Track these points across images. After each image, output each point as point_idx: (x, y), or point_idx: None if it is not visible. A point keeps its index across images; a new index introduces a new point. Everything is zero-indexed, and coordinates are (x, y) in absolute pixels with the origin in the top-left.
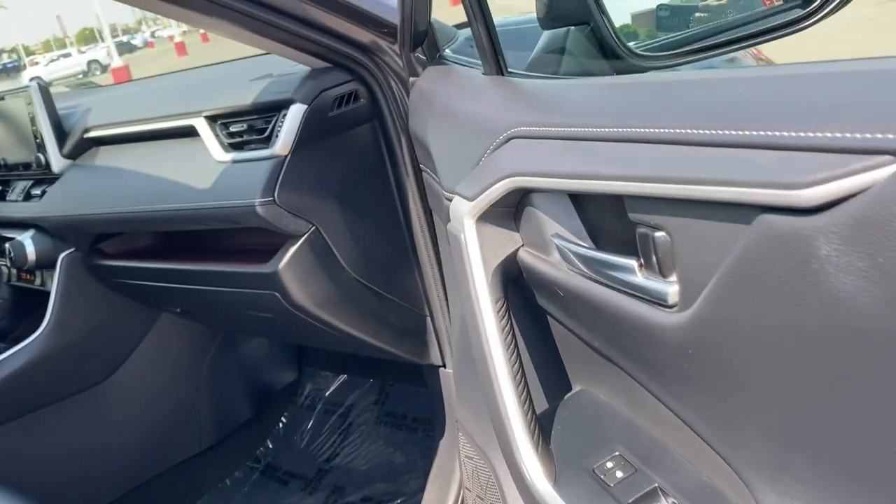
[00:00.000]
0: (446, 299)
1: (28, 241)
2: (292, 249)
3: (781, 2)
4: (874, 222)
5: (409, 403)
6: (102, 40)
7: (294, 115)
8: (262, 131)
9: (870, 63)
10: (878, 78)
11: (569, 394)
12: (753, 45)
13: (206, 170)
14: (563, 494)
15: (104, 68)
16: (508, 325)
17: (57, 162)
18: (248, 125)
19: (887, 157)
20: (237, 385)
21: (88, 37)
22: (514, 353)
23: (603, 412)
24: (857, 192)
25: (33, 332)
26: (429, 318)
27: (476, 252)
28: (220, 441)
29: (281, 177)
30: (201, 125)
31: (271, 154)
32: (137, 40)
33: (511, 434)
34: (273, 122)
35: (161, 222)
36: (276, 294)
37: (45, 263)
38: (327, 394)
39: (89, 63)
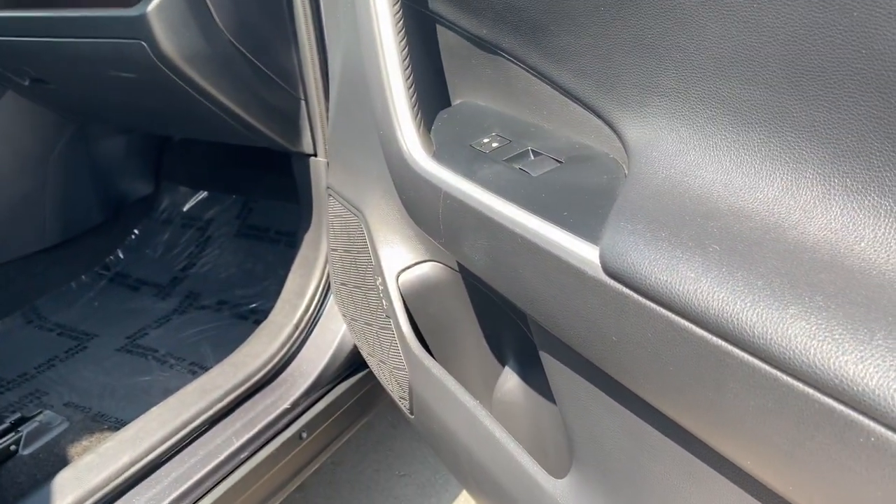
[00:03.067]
0: (324, 83)
1: None
2: None
3: None
4: None
5: (272, 217)
6: None
7: None
8: None
9: None
10: None
11: (450, 105)
12: None
13: None
14: (441, 162)
15: None
16: (401, 24)
17: None
18: None
19: None
20: (87, 186)
21: None
22: (406, 49)
23: (482, 112)
24: None
25: None
26: (303, 103)
27: None
28: (65, 242)
29: None
30: None
31: None
32: None
33: (393, 114)
34: None
35: None
36: (143, 43)
37: None
38: (185, 209)
39: None
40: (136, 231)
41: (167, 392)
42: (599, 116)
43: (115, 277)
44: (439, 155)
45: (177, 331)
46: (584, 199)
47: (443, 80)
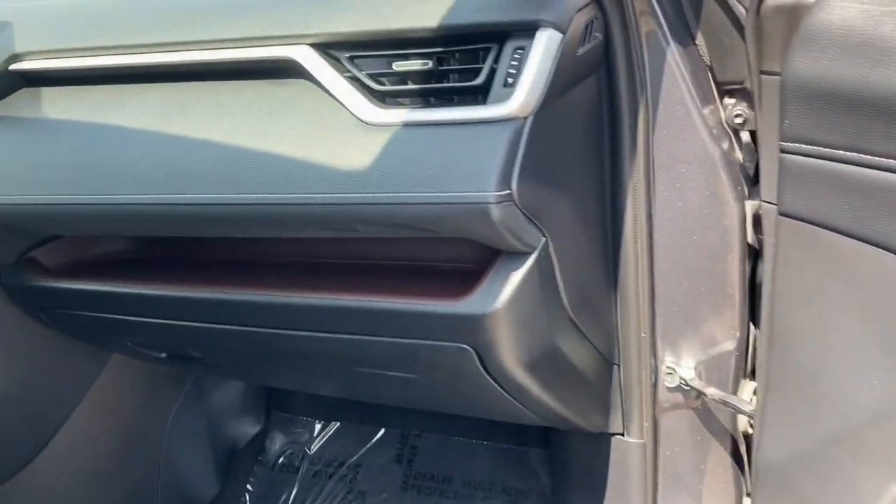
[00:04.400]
0: (651, 339)
1: None
2: (518, 276)
3: None
4: None
5: (451, 461)
6: None
7: (546, 51)
8: (456, 74)
9: None
10: None
11: None
12: None
13: (330, 136)
14: None
15: None
16: None
17: None
18: (427, 59)
19: None
20: (204, 452)
21: None
22: None
23: None
24: None
25: None
26: (616, 369)
27: None
28: None
29: (520, 156)
30: (316, 60)
31: (501, 116)
32: None
33: None
34: (489, 58)
35: (236, 223)
36: (470, 349)
37: None
38: (312, 449)
39: None
40: (249, 488)
41: None
42: None
43: None
44: None
45: None
46: None
47: None
